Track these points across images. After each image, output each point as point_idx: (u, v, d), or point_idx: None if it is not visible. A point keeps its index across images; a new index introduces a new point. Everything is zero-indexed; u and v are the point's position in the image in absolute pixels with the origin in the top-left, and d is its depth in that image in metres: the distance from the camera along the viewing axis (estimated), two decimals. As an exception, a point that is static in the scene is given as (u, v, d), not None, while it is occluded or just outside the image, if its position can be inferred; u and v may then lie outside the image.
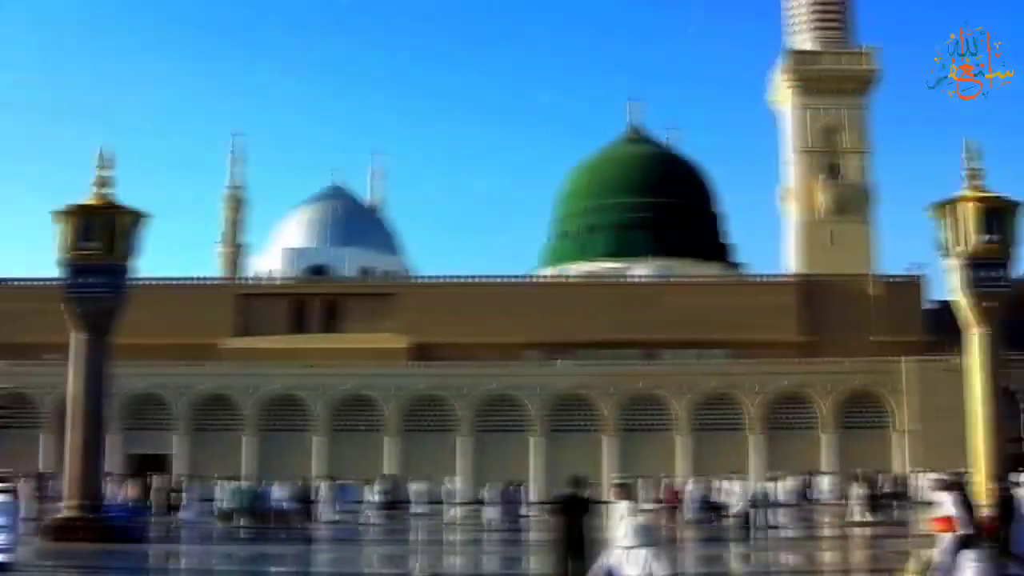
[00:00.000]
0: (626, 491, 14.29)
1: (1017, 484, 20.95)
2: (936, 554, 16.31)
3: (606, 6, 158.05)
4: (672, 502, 34.23)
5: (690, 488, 35.34)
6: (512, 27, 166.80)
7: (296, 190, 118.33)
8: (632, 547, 12.66)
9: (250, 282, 65.81)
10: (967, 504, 16.06)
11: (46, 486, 37.99)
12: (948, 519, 15.83)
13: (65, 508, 26.33)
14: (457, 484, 40.13)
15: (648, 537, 12.91)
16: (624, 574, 12.60)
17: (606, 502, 15.31)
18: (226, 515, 32.79)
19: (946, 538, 15.96)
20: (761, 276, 60.54)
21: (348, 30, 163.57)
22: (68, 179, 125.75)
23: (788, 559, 25.01)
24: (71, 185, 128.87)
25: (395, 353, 54.76)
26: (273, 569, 23.42)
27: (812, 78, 62.52)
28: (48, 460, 46.42)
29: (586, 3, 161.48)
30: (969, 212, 26.80)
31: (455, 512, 36.80)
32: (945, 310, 33.00)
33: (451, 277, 59.64)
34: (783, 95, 64.70)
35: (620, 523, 13.18)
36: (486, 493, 34.24)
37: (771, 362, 51.32)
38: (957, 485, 15.76)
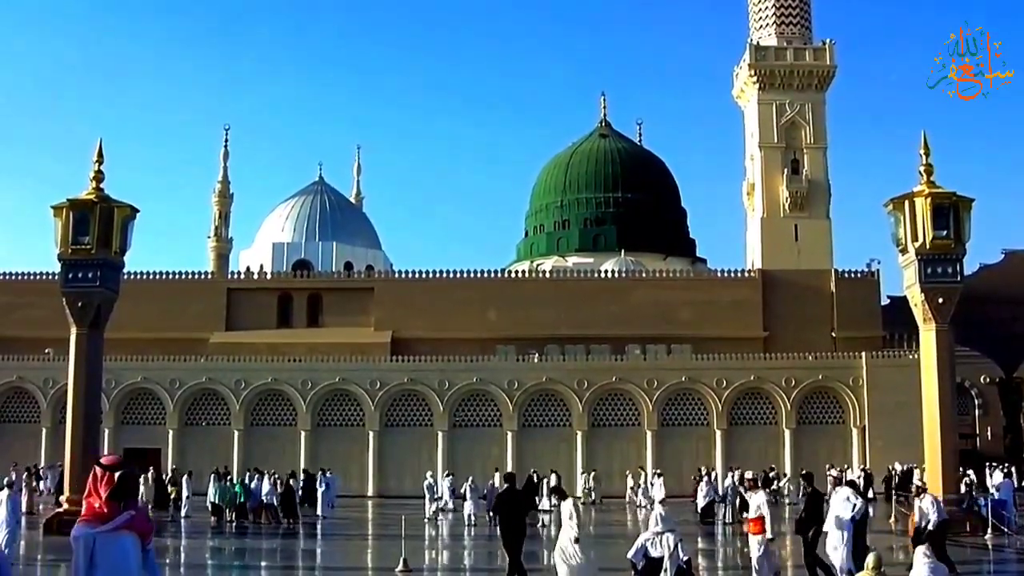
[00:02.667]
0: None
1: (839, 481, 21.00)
2: (753, 556, 15.98)
3: (580, 2, 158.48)
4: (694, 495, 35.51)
5: (727, 481, 36.47)
6: (489, 23, 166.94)
7: (282, 184, 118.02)
8: (660, 532, 14.38)
9: (241, 277, 65.64)
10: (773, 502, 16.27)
11: (39, 480, 37.88)
12: (761, 519, 15.95)
13: (65, 502, 26.37)
14: (444, 480, 39.98)
15: (672, 524, 14.72)
16: (653, 555, 14.53)
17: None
18: (216, 510, 32.95)
19: (758, 539, 15.78)
20: (726, 271, 60.87)
21: (330, 25, 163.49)
22: (61, 172, 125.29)
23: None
24: (65, 178, 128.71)
25: (375, 348, 55.45)
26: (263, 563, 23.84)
27: (774, 73, 62.82)
28: (47, 454, 46.94)
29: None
30: (922, 208, 26.87)
31: (436, 507, 36.75)
32: (902, 305, 33.15)
33: (427, 272, 60.05)
34: (746, 91, 64.97)
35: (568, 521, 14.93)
36: (467, 487, 34.11)
37: (734, 358, 51.49)
38: (767, 483, 15.83)
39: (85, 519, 6.51)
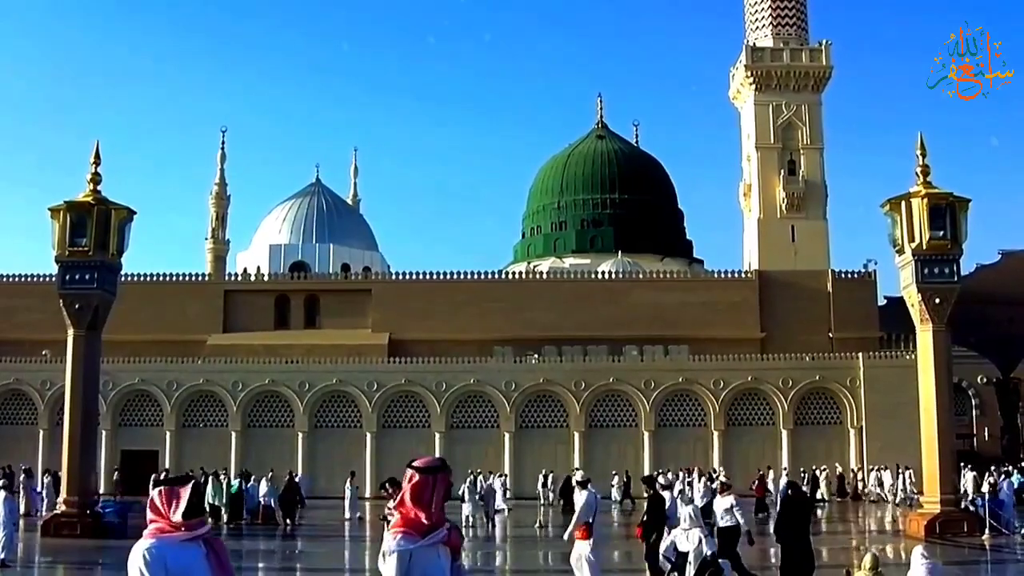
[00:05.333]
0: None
1: (665, 487, 20.59)
2: (572, 560, 14.98)
3: (576, 4, 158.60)
4: (759, 493, 37.05)
5: (782, 481, 37.10)
6: (485, 25, 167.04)
7: (279, 186, 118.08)
8: (688, 529, 15.15)
9: (238, 279, 65.53)
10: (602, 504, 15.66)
11: (35, 482, 37.97)
12: (587, 526, 14.77)
13: (62, 504, 26.34)
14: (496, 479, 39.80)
15: (700, 521, 15.52)
16: (682, 550, 15.38)
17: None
18: (213, 511, 32.87)
19: (584, 544, 14.73)
20: (723, 272, 60.93)
21: (325, 27, 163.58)
22: (59, 175, 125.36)
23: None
24: (62, 181, 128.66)
25: (373, 349, 55.44)
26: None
27: (771, 74, 62.88)
28: (45, 456, 46.86)
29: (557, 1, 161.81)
30: (919, 208, 26.92)
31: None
32: (900, 305, 33.19)
33: (425, 273, 60.07)
34: (742, 92, 65.04)
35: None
36: (465, 489, 34.05)
37: (731, 359, 51.52)
38: (584, 484, 15.39)
39: (403, 531, 5.60)
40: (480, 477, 37.42)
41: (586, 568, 14.38)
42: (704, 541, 15.40)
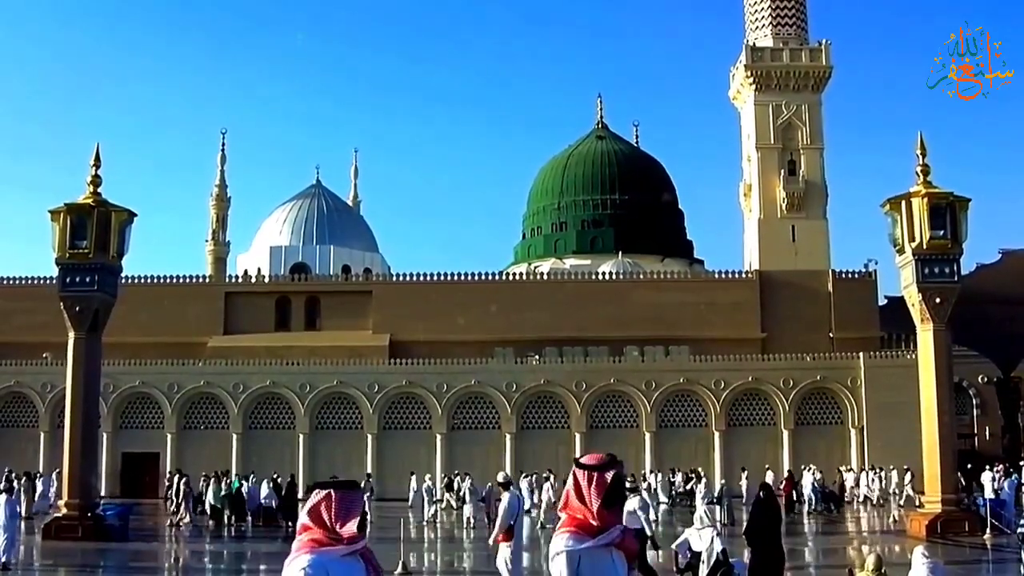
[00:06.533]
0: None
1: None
2: (499, 564, 14.88)
3: (575, 4, 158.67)
4: (787, 491, 37.28)
5: (810, 480, 37.13)
6: (484, 26, 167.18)
7: (280, 187, 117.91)
8: (700, 528, 15.51)
9: (239, 281, 65.43)
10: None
11: (33, 485, 38.08)
12: (511, 529, 14.61)
13: (63, 506, 26.38)
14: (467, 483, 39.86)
15: (711, 522, 16.16)
16: (695, 549, 15.78)
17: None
18: (215, 513, 32.79)
19: (505, 546, 14.61)
20: (723, 273, 60.94)
21: (325, 28, 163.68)
22: (59, 177, 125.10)
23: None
24: (63, 183, 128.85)
25: (373, 351, 55.40)
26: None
27: (770, 74, 62.81)
28: (46, 459, 46.91)
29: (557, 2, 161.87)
30: (919, 208, 26.93)
31: (435, 509, 36.80)
32: (900, 305, 33.18)
33: (426, 275, 60.09)
34: (742, 92, 64.98)
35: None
36: (466, 491, 34.05)
37: (732, 360, 51.48)
38: (506, 486, 15.27)
39: (570, 530, 5.21)
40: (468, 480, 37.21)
41: (509, 571, 14.24)
42: (716, 540, 15.60)
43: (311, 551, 4.70)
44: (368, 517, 4.98)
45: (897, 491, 43.59)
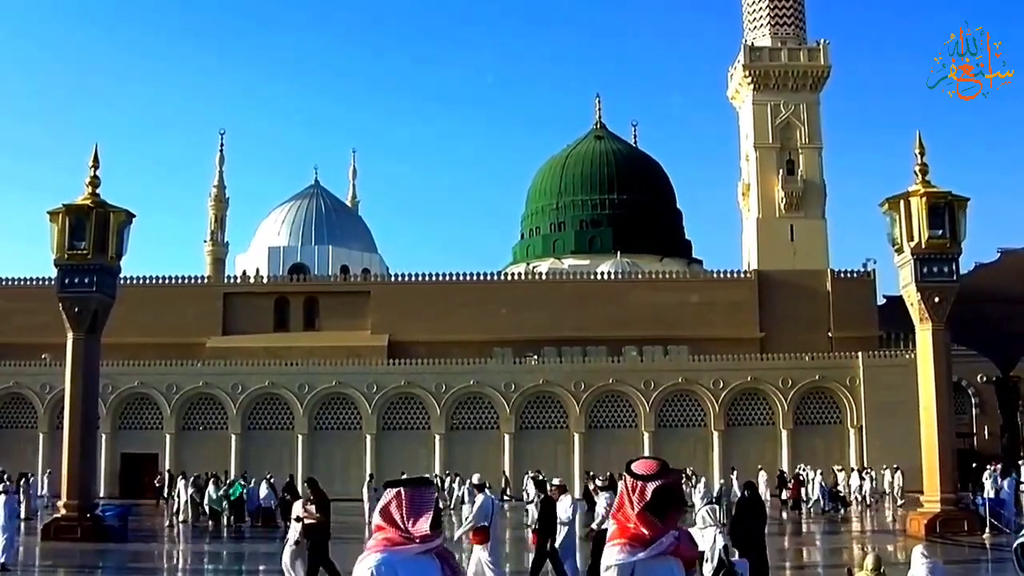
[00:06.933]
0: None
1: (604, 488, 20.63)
2: (477, 566, 14.88)
3: (574, 4, 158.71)
4: (794, 493, 37.85)
5: (818, 480, 37.15)
6: (483, 26, 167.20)
7: (278, 188, 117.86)
8: (704, 527, 15.03)
9: (237, 281, 65.42)
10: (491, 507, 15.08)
11: (29, 485, 38.10)
12: (484, 530, 14.73)
13: (62, 507, 26.35)
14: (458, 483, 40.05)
15: (715, 521, 15.40)
16: (700, 549, 15.26)
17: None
18: (214, 514, 32.82)
19: (480, 548, 14.71)
20: (722, 272, 60.96)
21: (323, 28, 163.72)
22: (58, 178, 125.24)
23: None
24: (61, 184, 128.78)
25: (372, 351, 55.41)
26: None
27: (769, 74, 62.82)
28: (45, 460, 46.80)
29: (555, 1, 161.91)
30: (918, 207, 26.92)
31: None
32: (899, 305, 33.17)
33: (424, 275, 60.11)
34: (741, 92, 64.99)
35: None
36: (465, 491, 34.04)
37: (731, 359, 51.49)
38: (481, 488, 15.25)
39: (622, 542, 5.02)
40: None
41: (488, 573, 14.17)
42: (719, 539, 15.68)
43: (382, 550, 4.57)
44: (441, 515, 4.83)
45: (890, 491, 43.63)
